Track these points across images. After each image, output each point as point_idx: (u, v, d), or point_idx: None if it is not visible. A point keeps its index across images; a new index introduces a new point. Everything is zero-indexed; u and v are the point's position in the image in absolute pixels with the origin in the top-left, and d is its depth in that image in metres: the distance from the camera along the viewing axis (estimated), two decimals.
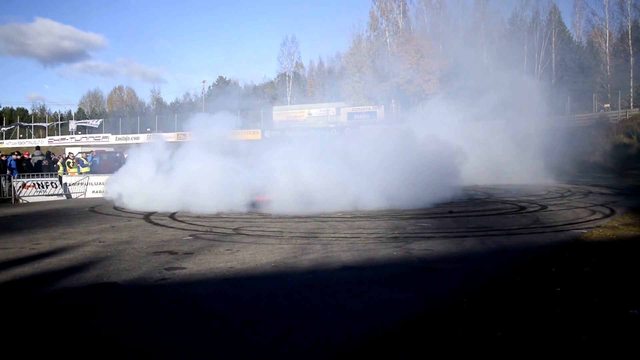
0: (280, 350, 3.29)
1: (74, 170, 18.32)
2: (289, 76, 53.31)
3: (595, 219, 9.13)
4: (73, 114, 65.27)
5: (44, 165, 17.92)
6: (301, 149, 12.23)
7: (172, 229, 8.78)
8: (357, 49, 44.43)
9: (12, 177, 16.35)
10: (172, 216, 10.64)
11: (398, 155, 12.03)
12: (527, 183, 18.78)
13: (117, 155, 21.78)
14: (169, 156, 13.14)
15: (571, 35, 44.15)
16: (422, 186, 11.35)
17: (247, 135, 37.92)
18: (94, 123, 52.81)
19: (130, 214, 11.31)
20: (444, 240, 7.19)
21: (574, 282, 4.67)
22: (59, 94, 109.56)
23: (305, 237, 7.62)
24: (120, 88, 72.53)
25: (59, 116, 63.92)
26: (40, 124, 58.16)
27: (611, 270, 5.13)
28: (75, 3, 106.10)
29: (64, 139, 50.04)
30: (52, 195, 16.86)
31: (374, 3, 44.81)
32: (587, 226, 8.27)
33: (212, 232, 8.39)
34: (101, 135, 48.87)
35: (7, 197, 16.16)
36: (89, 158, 19.97)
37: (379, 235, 7.71)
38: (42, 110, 70.98)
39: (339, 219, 9.68)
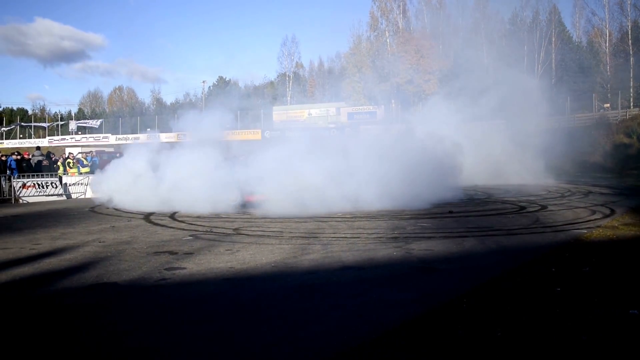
0: (280, 350, 3.29)
1: (74, 170, 18.33)
2: (289, 76, 53.30)
3: (595, 219, 9.13)
4: (73, 114, 65.27)
5: (44, 165, 17.94)
6: (295, 147, 11.98)
7: (172, 229, 8.78)
8: (357, 49, 44.49)
9: (12, 177, 16.37)
10: (172, 216, 10.65)
11: (398, 155, 11.99)
12: (527, 183, 18.80)
13: (117, 155, 21.75)
14: (159, 155, 13.06)
15: (571, 35, 44.21)
16: (422, 186, 11.34)
17: (247, 136, 37.99)
18: (94, 123, 52.81)
19: (130, 214, 11.31)
20: (444, 240, 7.19)
21: (574, 282, 4.67)
22: (59, 94, 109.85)
23: (305, 237, 7.63)
24: (120, 88, 72.80)
25: (59, 116, 63.89)
26: (40, 124, 58.08)
27: (611, 270, 5.13)
28: (75, 3, 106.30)
29: (64, 139, 50.02)
30: (52, 195, 16.87)
31: (374, 3, 45.00)
32: (587, 226, 8.27)
33: (212, 232, 8.40)
34: (101, 135, 48.87)
35: (7, 197, 16.17)
36: (89, 158, 19.99)
37: (379, 235, 7.71)
38: (42, 110, 71.04)
39: (339, 219, 9.68)
